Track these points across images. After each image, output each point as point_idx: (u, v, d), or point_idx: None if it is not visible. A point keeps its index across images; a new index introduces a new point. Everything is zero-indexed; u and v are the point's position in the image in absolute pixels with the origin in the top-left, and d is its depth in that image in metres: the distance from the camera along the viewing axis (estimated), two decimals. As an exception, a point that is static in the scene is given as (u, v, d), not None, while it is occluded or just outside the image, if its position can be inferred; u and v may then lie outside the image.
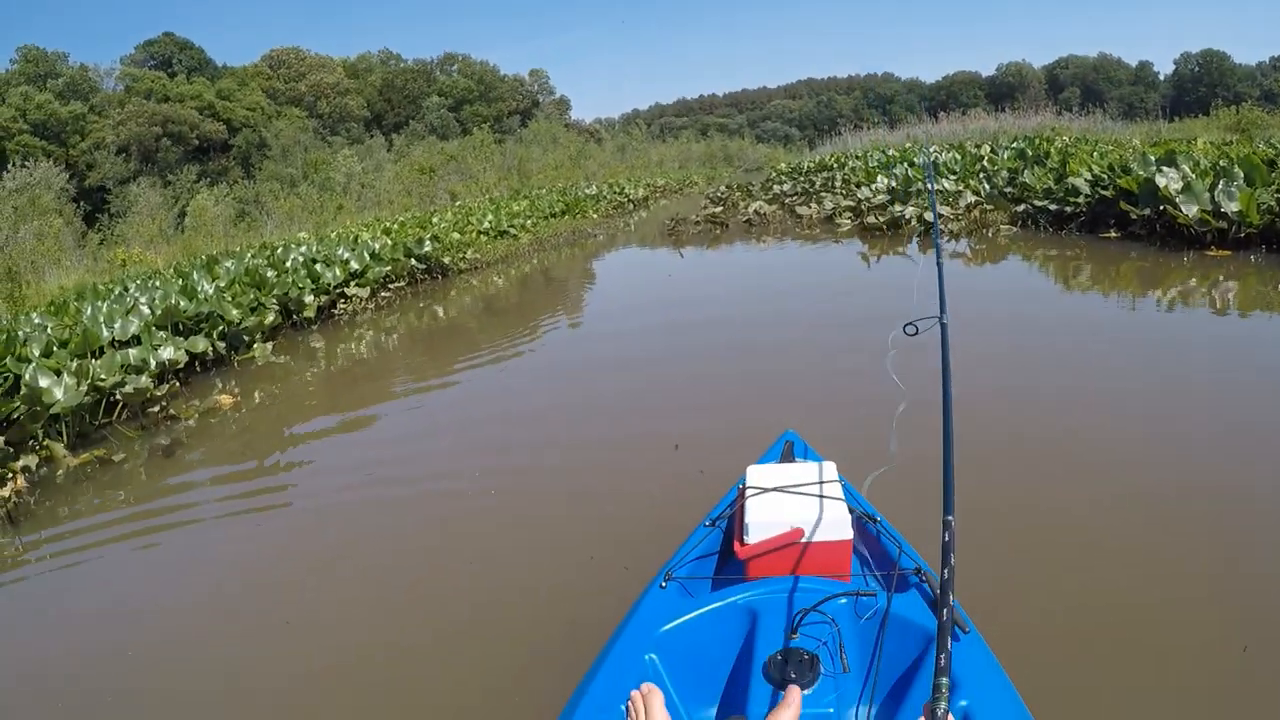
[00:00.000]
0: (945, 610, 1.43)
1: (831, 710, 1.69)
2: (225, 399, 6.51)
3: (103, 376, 6.34)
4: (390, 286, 11.58)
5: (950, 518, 1.60)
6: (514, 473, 4.54)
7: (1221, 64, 70.14)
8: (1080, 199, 10.68)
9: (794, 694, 1.70)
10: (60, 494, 5.01)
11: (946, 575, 1.50)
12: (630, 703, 1.71)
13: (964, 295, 7.79)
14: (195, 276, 9.63)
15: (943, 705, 1.26)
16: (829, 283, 9.71)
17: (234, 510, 4.58)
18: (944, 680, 1.30)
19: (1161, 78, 77.11)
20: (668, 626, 1.98)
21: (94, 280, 13.10)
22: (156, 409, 6.36)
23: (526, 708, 2.50)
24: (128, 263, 17.05)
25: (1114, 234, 9.91)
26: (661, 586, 2.17)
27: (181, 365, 7.26)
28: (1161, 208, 9.06)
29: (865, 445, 3.53)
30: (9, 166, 32.05)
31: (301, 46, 56.86)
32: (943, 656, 1.33)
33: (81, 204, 33.15)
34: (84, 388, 5.89)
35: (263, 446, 5.63)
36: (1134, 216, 9.51)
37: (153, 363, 6.96)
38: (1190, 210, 8.59)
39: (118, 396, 6.26)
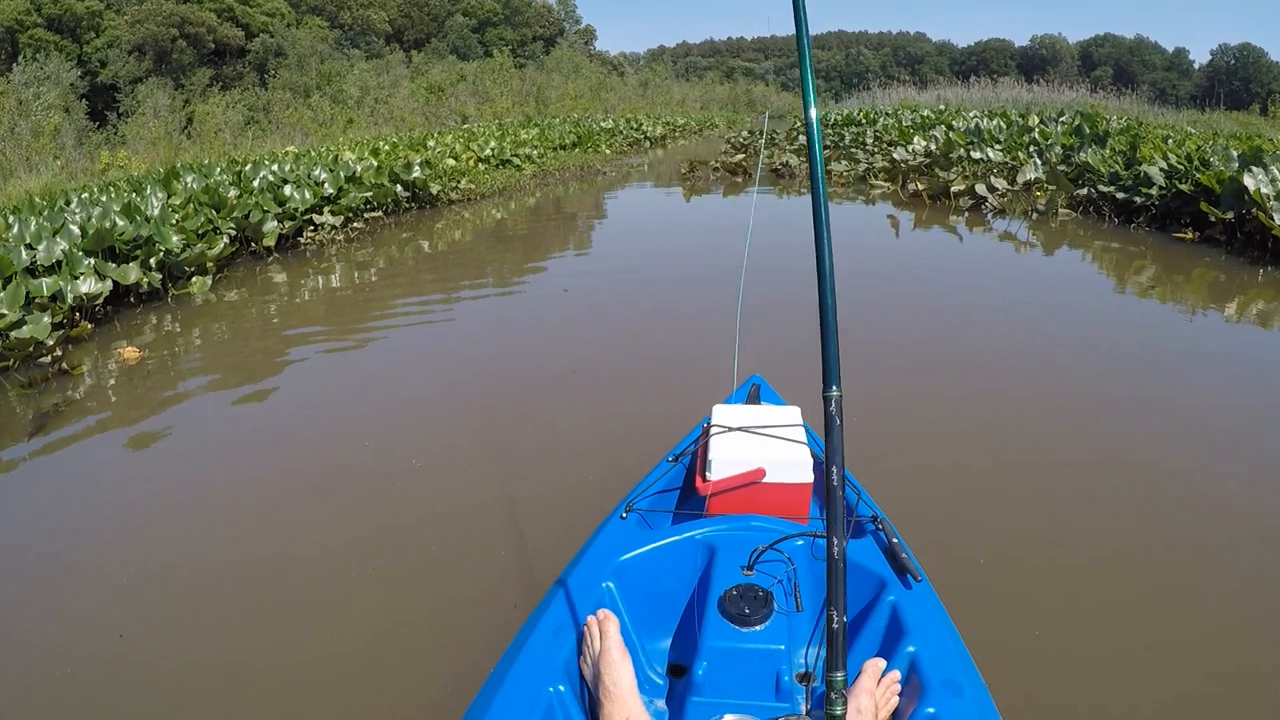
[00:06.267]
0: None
1: (783, 647, 1.68)
2: (129, 352, 5.50)
3: (2, 313, 5.48)
4: (366, 216, 10.55)
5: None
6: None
7: (1258, 59, 69.01)
8: (1153, 190, 9.28)
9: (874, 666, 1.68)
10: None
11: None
12: (587, 627, 1.75)
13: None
14: (148, 190, 8.66)
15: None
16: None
17: (104, 505, 3.71)
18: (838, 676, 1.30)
19: (1196, 66, 76.27)
20: (626, 556, 1.98)
21: (60, 186, 12.11)
22: (48, 359, 5.40)
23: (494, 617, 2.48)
24: (111, 167, 16.07)
25: (1189, 234, 8.58)
26: (622, 518, 2.17)
27: (101, 300, 6.33)
28: (1245, 212, 7.85)
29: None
30: (19, 59, 30.98)
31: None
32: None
33: (90, 101, 32.09)
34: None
35: (155, 420, 4.61)
36: (1213, 220, 8.21)
37: (69, 297, 6.07)
38: (1283, 219, 7.42)
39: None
